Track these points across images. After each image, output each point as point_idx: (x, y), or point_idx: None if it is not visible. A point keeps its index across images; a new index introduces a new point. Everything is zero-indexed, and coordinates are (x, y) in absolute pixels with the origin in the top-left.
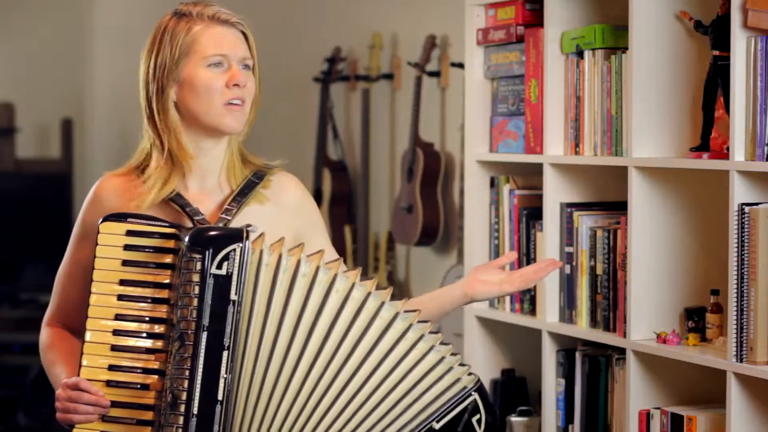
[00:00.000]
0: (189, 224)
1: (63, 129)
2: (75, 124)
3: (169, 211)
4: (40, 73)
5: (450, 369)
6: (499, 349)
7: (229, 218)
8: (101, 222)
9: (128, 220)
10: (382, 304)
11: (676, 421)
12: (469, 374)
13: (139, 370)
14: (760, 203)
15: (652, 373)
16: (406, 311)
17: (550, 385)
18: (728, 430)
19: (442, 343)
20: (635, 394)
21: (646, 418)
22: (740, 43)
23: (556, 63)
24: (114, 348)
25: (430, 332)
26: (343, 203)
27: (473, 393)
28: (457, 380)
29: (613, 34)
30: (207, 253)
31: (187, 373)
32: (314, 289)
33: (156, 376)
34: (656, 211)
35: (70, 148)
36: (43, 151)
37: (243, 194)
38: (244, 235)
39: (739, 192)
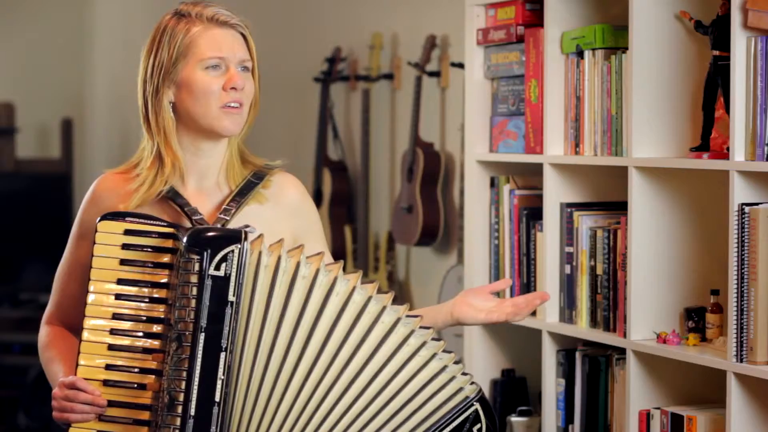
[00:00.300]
0: (187, 224)
1: (63, 129)
2: (75, 124)
3: (168, 210)
4: (40, 73)
5: (453, 378)
6: (499, 349)
7: (228, 218)
8: (99, 221)
9: (126, 219)
10: (384, 308)
11: (676, 421)
12: (471, 383)
13: (136, 370)
14: (761, 203)
15: (652, 373)
16: (407, 316)
17: (551, 385)
18: (728, 431)
19: (444, 351)
20: (635, 394)
21: (646, 418)
22: (740, 43)
23: (556, 63)
24: (111, 347)
25: (433, 339)
26: (343, 203)
27: (475, 403)
28: (460, 390)
29: (613, 34)
30: (205, 254)
31: (184, 374)
32: (314, 291)
33: (153, 376)
34: (656, 211)
35: (70, 148)
36: (43, 151)
37: (242, 194)
38: (243, 236)
39: (739, 192)
